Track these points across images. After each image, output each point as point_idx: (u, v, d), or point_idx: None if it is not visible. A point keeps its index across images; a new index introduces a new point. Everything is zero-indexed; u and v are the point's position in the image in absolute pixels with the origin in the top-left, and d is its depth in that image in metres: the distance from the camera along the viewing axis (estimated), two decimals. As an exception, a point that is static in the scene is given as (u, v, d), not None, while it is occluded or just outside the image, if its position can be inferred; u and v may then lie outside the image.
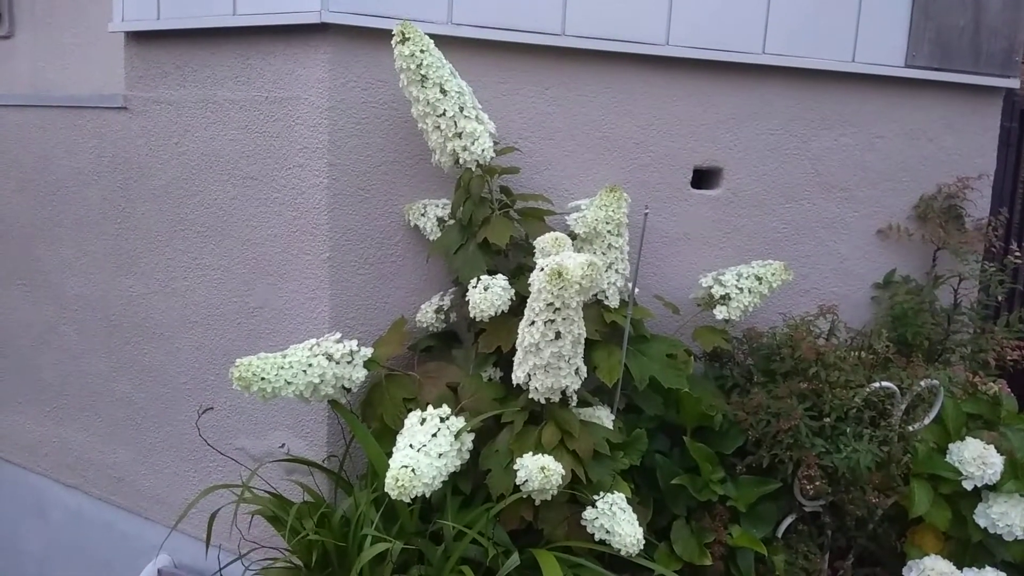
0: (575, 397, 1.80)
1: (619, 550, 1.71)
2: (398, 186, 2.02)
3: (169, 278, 2.25)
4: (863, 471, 1.94)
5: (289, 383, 1.77)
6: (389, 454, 1.68)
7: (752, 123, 2.35)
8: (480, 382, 1.90)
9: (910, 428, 2.11)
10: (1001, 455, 2.07)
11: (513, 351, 1.76)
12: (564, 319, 1.64)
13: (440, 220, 1.98)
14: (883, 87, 2.48)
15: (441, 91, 1.83)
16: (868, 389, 2.03)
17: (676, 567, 1.89)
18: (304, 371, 1.78)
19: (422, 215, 2.00)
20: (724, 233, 2.37)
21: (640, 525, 1.73)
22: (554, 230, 1.89)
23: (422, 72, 1.81)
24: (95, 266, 2.41)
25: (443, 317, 2.00)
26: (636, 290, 1.99)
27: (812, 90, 2.40)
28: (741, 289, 2.12)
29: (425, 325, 2.01)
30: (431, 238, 1.99)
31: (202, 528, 1.91)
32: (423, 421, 1.73)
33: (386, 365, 1.92)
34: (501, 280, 1.86)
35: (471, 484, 1.84)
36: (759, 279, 2.14)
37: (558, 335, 1.66)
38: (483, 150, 1.87)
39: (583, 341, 1.73)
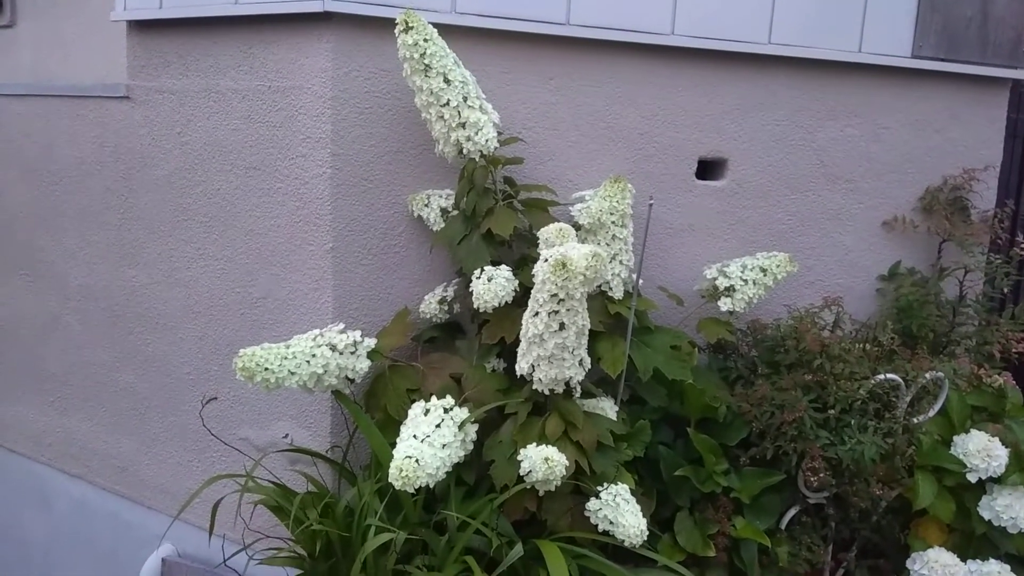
0: (579, 388, 1.80)
1: (623, 541, 1.71)
2: (401, 176, 2.02)
3: (172, 268, 2.24)
4: (867, 463, 1.94)
5: (293, 373, 1.77)
6: (393, 444, 1.68)
7: (757, 114, 2.34)
8: (484, 373, 1.90)
9: (915, 420, 2.10)
10: (1006, 447, 2.06)
11: (517, 342, 1.76)
12: (568, 310, 1.63)
13: (444, 211, 1.98)
14: (889, 78, 2.46)
15: (445, 81, 1.82)
16: (873, 381, 2.03)
17: (680, 558, 1.89)
18: (308, 361, 1.78)
19: (425, 205, 1.99)
20: (729, 224, 2.36)
21: (644, 516, 1.72)
22: (558, 221, 1.88)
23: (425, 61, 1.80)
24: (98, 256, 2.41)
25: (447, 308, 2.00)
26: (640, 281, 1.99)
27: (818, 80, 2.38)
28: (746, 281, 2.11)
29: (428, 316, 2.00)
30: (435, 229, 1.98)
31: (206, 518, 1.91)
32: (427, 412, 1.73)
33: (389, 356, 1.92)
34: (505, 271, 1.85)
35: (475, 475, 1.84)
36: (764, 271, 2.13)
37: (562, 326, 1.65)
38: (487, 140, 1.86)
39: (587, 332, 1.73)
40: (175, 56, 2.15)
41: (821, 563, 2.13)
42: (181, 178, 2.19)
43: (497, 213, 1.90)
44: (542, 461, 1.64)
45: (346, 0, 1.86)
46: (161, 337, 2.30)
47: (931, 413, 2.14)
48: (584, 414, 1.79)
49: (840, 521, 2.14)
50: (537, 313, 1.65)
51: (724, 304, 2.11)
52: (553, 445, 1.69)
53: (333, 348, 1.81)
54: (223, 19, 2.04)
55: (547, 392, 1.76)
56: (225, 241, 2.13)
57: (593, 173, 2.16)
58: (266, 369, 1.75)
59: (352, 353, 1.83)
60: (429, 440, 1.66)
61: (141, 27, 2.20)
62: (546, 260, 1.61)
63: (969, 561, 2.09)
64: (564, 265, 1.58)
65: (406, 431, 1.69)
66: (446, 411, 1.74)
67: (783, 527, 2.08)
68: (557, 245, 1.74)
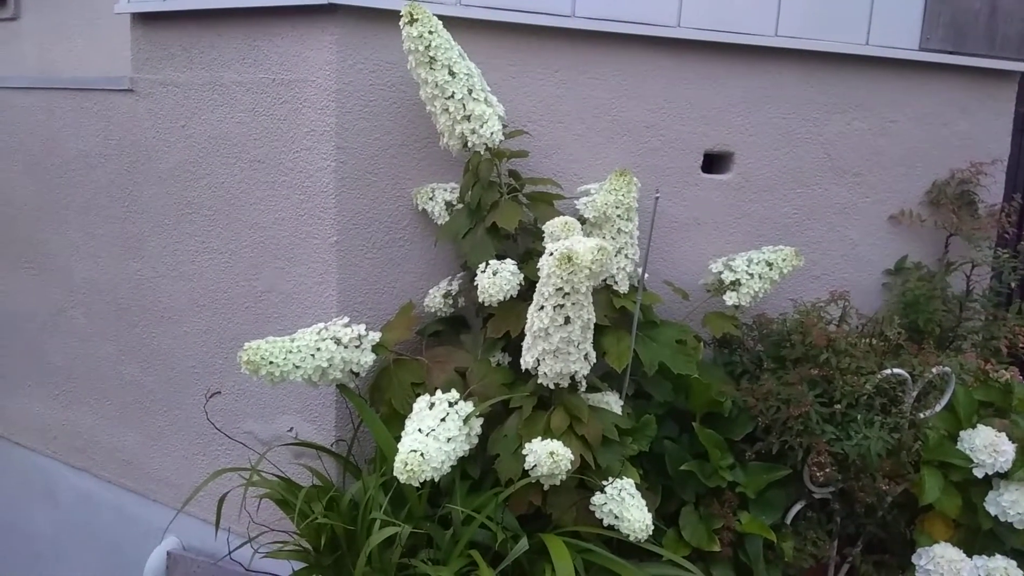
0: (584, 382, 1.79)
1: (627, 535, 1.70)
2: (406, 169, 2.01)
3: (177, 261, 2.24)
4: (873, 458, 1.93)
5: (297, 367, 1.77)
6: (397, 438, 1.68)
7: (764, 107, 2.33)
8: (489, 367, 1.89)
9: (921, 415, 2.09)
10: (1013, 443, 2.05)
11: (522, 336, 1.76)
12: (573, 304, 1.63)
13: (448, 204, 1.97)
14: (897, 71, 2.44)
15: (450, 73, 1.81)
16: (879, 376, 2.02)
17: (684, 553, 1.88)
18: (312, 355, 1.78)
19: (430, 199, 1.99)
20: (735, 218, 2.35)
21: (649, 511, 1.72)
22: (563, 214, 1.87)
23: (430, 54, 1.79)
24: (102, 249, 2.41)
25: (451, 302, 1.99)
26: (646, 275, 1.98)
27: (825, 73, 2.37)
28: (751, 275, 2.10)
29: (433, 310, 2.00)
30: (439, 222, 1.98)
31: (211, 511, 1.92)
32: (432, 406, 1.73)
33: (394, 350, 1.91)
34: (510, 265, 1.84)
35: (480, 469, 1.83)
36: (770, 265, 2.12)
37: (567, 320, 1.65)
38: (492, 133, 1.85)
39: (592, 326, 1.72)
40: (179, 49, 2.14)
41: (826, 558, 2.12)
42: (185, 171, 2.18)
43: (502, 207, 1.89)
44: (547, 455, 1.64)
45: (351, -8, 1.85)
46: (166, 330, 2.30)
47: (937, 408, 2.13)
48: (589, 408, 1.78)
49: (846, 516, 2.13)
50: (542, 307, 1.65)
51: (730, 298, 2.10)
52: (558, 439, 1.69)
53: (338, 342, 1.81)
54: (227, 11, 2.03)
55: (552, 386, 1.75)
56: (229, 234, 2.13)
57: (598, 166, 2.15)
58: (271, 363, 1.75)
59: (357, 347, 1.83)
60: (434, 434, 1.66)
61: (145, 20, 2.19)
62: (551, 254, 1.61)
63: (975, 557, 2.08)
64: (570, 259, 1.57)
65: (411, 425, 1.69)
66: (451, 405, 1.74)
67: (788, 522, 2.07)
68: (562, 239, 1.74)
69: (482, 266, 1.85)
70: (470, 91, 1.84)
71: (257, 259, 2.09)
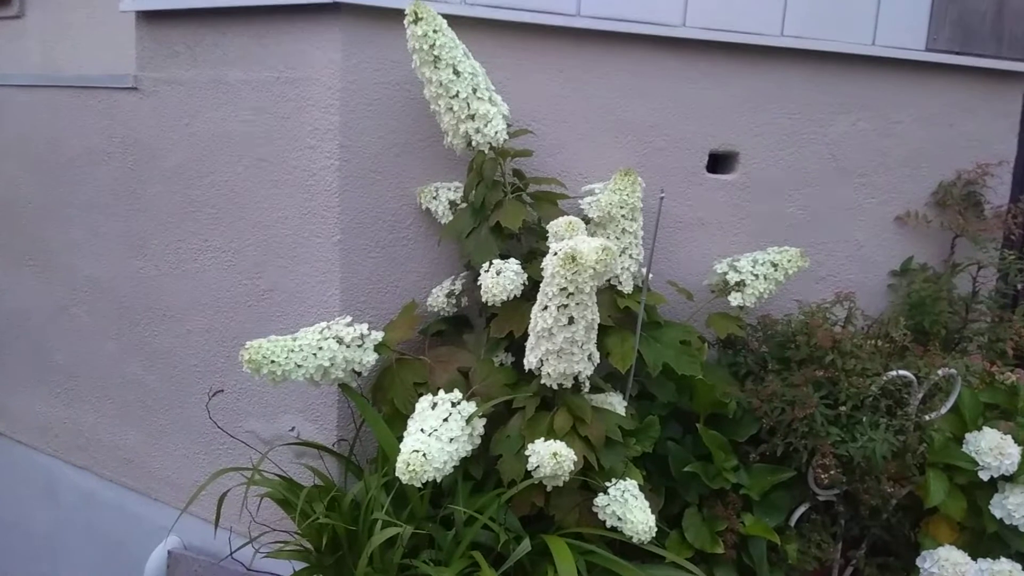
0: (587, 383, 1.79)
1: (631, 537, 1.70)
2: (410, 168, 2.00)
3: (179, 260, 2.24)
4: (879, 460, 1.92)
5: (299, 366, 1.76)
6: (400, 438, 1.67)
7: (769, 107, 2.32)
8: (492, 367, 1.89)
9: (926, 417, 2.08)
10: (1018, 445, 2.04)
11: (525, 336, 1.75)
12: (577, 304, 1.62)
13: (452, 203, 1.96)
14: (903, 71, 2.43)
15: (454, 72, 1.81)
16: (885, 377, 2.01)
17: (687, 555, 1.87)
18: (314, 354, 1.77)
19: (434, 198, 1.98)
20: (739, 219, 2.34)
21: (652, 512, 1.71)
22: (567, 214, 1.86)
23: (435, 53, 1.79)
24: (105, 248, 2.41)
25: (454, 301, 1.99)
26: (650, 275, 1.97)
27: (831, 73, 2.36)
28: (756, 275, 2.10)
29: (436, 309, 1.99)
30: (443, 221, 1.97)
31: (212, 510, 1.91)
32: (434, 406, 1.72)
33: (397, 349, 1.91)
34: (514, 264, 1.84)
35: (482, 469, 1.83)
36: (775, 265, 2.12)
37: (571, 320, 1.64)
38: (496, 132, 1.84)
39: (596, 326, 1.71)
40: (184, 47, 2.14)
41: (830, 561, 2.11)
42: (189, 169, 2.18)
43: (506, 206, 1.89)
44: (550, 456, 1.63)
45: (355, -10, 1.84)
46: (168, 329, 2.30)
47: (943, 410, 2.12)
48: (593, 409, 1.77)
49: (850, 519, 2.12)
50: (546, 307, 1.64)
51: (734, 299, 2.09)
52: (561, 440, 1.68)
53: (340, 341, 1.80)
54: (232, 10, 2.03)
55: (555, 387, 1.75)
56: (233, 233, 2.13)
57: (603, 166, 2.14)
58: (272, 362, 1.74)
59: (359, 346, 1.82)
60: (436, 434, 1.65)
61: (150, 17, 2.19)
62: (555, 253, 1.60)
63: (980, 560, 2.07)
64: (574, 259, 1.56)
65: (413, 425, 1.69)
66: (454, 405, 1.73)
67: (792, 524, 2.07)
68: (566, 238, 1.73)
69: (485, 265, 1.84)
70: (474, 90, 1.83)
71: (260, 258, 2.09)
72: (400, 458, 1.59)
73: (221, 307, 2.18)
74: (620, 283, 1.94)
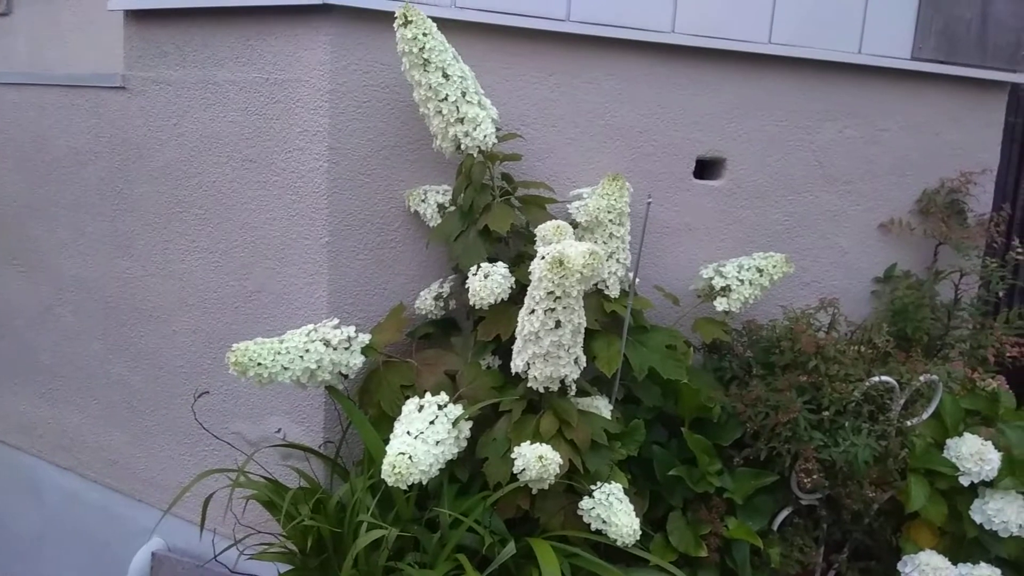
0: (574, 387, 1.79)
1: (615, 540, 1.70)
2: (398, 171, 2.01)
3: (166, 260, 2.23)
4: (860, 465, 1.94)
5: (286, 369, 1.76)
6: (386, 441, 1.67)
7: (756, 113, 2.33)
8: (479, 370, 1.89)
9: (908, 423, 2.10)
10: (999, 451, 2.07)
11: (512, 339, 1.75)
12: (564, 308, 1.63)
13: (441, 206, 1.97)
14: (889, 79, 2.46)
15: (443, 75, 1.81)
16: (867, 383, 2.03)
17: (672, 558, 1.88)
18: (301, 357, 1.77)
19: (422, 201, 1.98)
20: (726, 224, 2.36)
21: (636, 516, 1.72)
22: (555, 218, 1.87)
23: (424, 56, 1.79)
24: (92, 247, 2.39)
25: (442, 304, 1.99)
26: (637, 280, 1.98)
27: (818, 81, 2.38)
28: (742, 281, 2.11)
29: (424, 312, 1.99)
30: (431, 224, 1.97)
31: (196, 512, 1.90)
32: (421, 408, 1.73)
33: (384, 352, 1.91)
34: (501, 268, 1.84)
35: (468, 472, 1.83)
36: (760, 271, 2.13)
37: (558, 324, 1.65)
38: (485, 136, 1.85)
39: (583, 330, 1.72)
40: (172, 47, 2.13)
41: (813, 564, 2.13)
42: (177, 170, 2.17)
43: (494, 210, 1.89)
44: (536, 459, 1.64)
45: (345, -7, 1.85)
46: (154, 330, 2.29)
47: (924, 416, 2.14)
48: (579, 412, 1.78)
49: (832, 523, 2.14)
50: (533, 311, 1.65)
51: (720, 304, 2.10)
52: (547, 443, 1.69)
53: (327, 343, 1.80)
54: (221, 10, 2.02)
55: (542, 390, 1.75)
56: (220, 234, 2.12)
57: (591, 170, 2.15)
58: (259, 364, 1.74)
59: (346, 349, 1.82)
60: (423, 437, 1.66)
61: (138, 17, 2.18)
62: (543, 257, 1.61)
63: (960, 564, 2.10)
64: (561, 263, 1.57)
65: (400, 427, 1.69)
66: (440, 408, 1.73)
67: (775, 528, 2.08)
68: (554, 242, 1.74)
69: (473, 269, 1.84)
70: (464, 94, 1.83)
71: (248, 259, 2.08)
72: (386, 460, 1.60)
73: (208, 308, 2.17)
74: (607, 287, 1.95)
